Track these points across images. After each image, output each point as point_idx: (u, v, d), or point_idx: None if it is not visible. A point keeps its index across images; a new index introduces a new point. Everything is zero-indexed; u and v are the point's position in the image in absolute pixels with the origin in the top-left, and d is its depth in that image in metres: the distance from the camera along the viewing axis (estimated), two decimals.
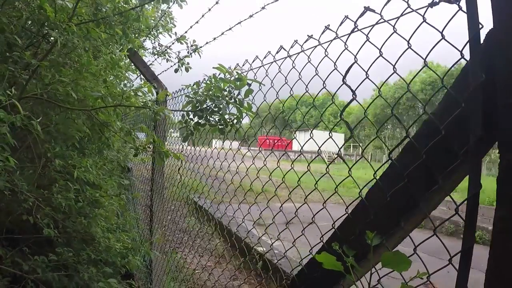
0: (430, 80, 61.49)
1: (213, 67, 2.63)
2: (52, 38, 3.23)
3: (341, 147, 2.06)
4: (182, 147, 5.21)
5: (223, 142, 3.30)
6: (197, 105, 2.70)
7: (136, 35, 4.93)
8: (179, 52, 5.34)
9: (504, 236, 1.07)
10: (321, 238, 1.89)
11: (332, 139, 1.96)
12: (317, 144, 2.14)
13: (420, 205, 1.36)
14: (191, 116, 2.82)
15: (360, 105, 1.98)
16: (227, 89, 2.66)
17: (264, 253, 4.36)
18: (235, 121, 2.75)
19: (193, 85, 2.86)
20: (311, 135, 2.16)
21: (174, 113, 3.54)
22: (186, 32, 4.99)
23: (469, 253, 1.16)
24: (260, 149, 2.96)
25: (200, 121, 2.77)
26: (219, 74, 2.71)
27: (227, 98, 2.63)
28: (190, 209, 7.39)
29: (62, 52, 3.29)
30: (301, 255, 2.20)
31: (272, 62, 2.54)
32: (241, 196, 3.06)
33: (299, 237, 2.27)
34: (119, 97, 3.09)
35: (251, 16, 3.39)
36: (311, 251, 1.93)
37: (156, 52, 6.45)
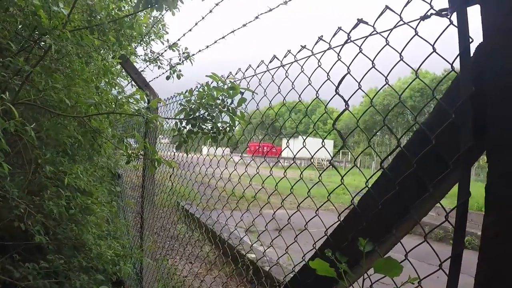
0: (419, 87, 61.85)
1: (206, 75, 2.66)
2: (43, 43, 3.23)
3: (334, 155, 2.09)
4: (174, 154, 5.22)
5: (215, 150, 3.32)
6: (190, 113, 2.71)
7: (129, 42, 4.94)
8: (170, 59, 5.36)
9: (493, 241, 1.11)
10: (314, 245, 1.92)
11: (325, 147, 1.98)
12: (309, 152, 2.16)
13: (411, 212, 1.39)
14: (183, 124, 2.83)
15: (352, 114, 2.02)
16: (220, 98, 2.68)
17: (256, 260, 4.37)
18: (227, 129, 2.77)
19: (186, 92, 2.87)
20: (304, 144, 2.19)
21: (165, 120, 3.55)
22: (179, 39, 5.02)
23: (459, 258, 1.20)
24: (253, 156, 2.98)
25: (193, 129, 2.78)
26: (211, 82, 2.73)
27: (220, 107, 2.66)
28: (180, 216, 7.37)
29: (54, 58, 3.30)
30: (294, 262, 2.22)
31: (265, 71, 2.57)
32: (234, 204, 3.08)
33: (291, 244, 2.29)
34: (111, 104, 3.10)
35: (244, 25, 3.42)
36: (303, 257, 1.96)
37: (148, 59, 6.46)
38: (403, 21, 1.53)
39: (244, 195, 2.89)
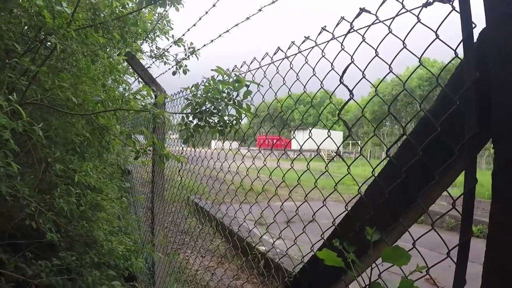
0: (427, 76, 61.30)
1: (212, 69, 2.66)
2: (49, 43, 3.25)
3: (339, 146, 2.08)
4: (182, 148, 5.23)
5: (222, 143, 3.33)
6: (196, 107, 2.72)
7: (134, 39, 4.95)
8: (176, 54, 5.36)
9: (500, 229, 1.10)
10: (322, 235, 1.92)
11: (331, 138, 1.98)
12: (315, 143, 2.16)
13: (417, 201, 1.39)
14: (190, 118, 2.85)
15: (358, 104, 2.01)
16: (226, 91, 2.68)
17: (265, 252, 4.38)
18: (234, 122, 2.78)
19: (192, 87, 2.88)
20: (310, 135, 2.18)
21: (173, 115, 3.56)
22: (183, 35, 5.01)
23: (466, 246, 1.19)
24: (260, 149, 2.98)
25: (199, 123, 2.79)
26: (217, 76, 2.74)
27: (226, 100, 2.66)
28: (191, 210, 7.40)
29: (60, 57, 3.32)
30: (303, 252, 2.23)
31: (270, 64, 2.57)
32: (242, 196, 3.08)
33: (300, 235, 2.30)
34: (118, 101, 3.12)
35: (248, 18, 3.41)
36: (312, 248, 1.97)
37: (153, 55, 6.46)
38: (405, 9, 1.53)
39: (253, 188, 2.90)
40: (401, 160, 1.46)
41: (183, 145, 4.73)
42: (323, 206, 2.03)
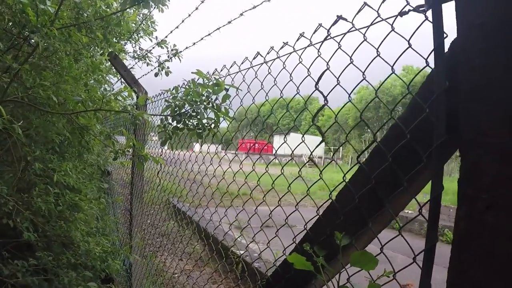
0: (412, 84, 61.68)
1: (192, 72, 2.67)
2: (32, 41, 3.24)
3: (312, 151, 2.09)
4: (162, 150, 5.22)
5: (201, 146, 3.34)
6: (176, 109, 2.73)
7: (117, 39, 4.93)
8: (159, 56, 5.35)
9: (464, 234, 1.13)
10: (294, 239, 1.94)
11: (305, 143, 1.98)
12: (290, 148, 2.17)
13: (386, 207, 1.41)
14: (169, 121, 2.85)
15: (332, 111, 2.02)
16: (205, 94, 2.69)
17: (240, 255, 4.37)
18: (212, 125, 2.78)
19: (173, 89, 2.88)
20: (285, 139, 2.18)
21: (154, 116, 3.56)
22: (166, 36, 5.01)
23: (432, 251, 1.22)
24: (237, 152, 3.00)
25: (178, 125, 2.80)
26: (198, 79, 2.74)
27: (204, 103, 2.67)
28: (169, 212, 7.36)
29: (43, 56, 3.30)
30: (276, 256, 2.24)
31: (249, 68, 2.58)
32: (218, 199, 3.08)
33: (273, 238, 2.30)
34: (99, 101, 3.11)
35: (229, 22, 3.42)
36: (284, 252, 1.98)
37: (136, 56, 6.44)
38: (381, 17, 1.55)
39: (239, 193, 2.88)
40: (372, 166, 1.48)
41: (162, 147, 4.72)
42: (295, 210, 2.04)
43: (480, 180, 1.09)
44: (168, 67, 4.94)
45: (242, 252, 5.91)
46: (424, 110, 1.28)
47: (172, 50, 4.84)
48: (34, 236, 3.32)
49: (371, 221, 1.47)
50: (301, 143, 2.01)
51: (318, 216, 1.78)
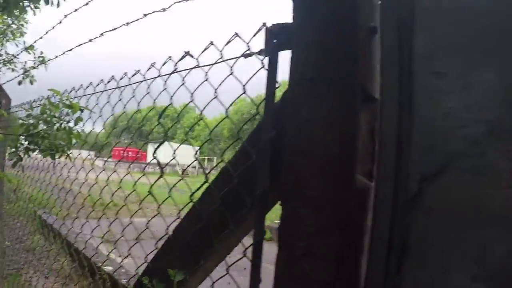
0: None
1: (49, 89, 2.55)
2: None
3: (170, 159, 2.07)
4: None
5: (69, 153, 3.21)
6: (30, 128, 2.59)
7: None
8: (25, 62, 5.01)
9: (283, 279, 1.19)
10: (146, 258, 1.90)
11: (175, 158, 1.95)
12: (156, 158, 2.14)
13: (215, 246, 1.46)
14: (21, 141, 2.70)
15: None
16: (57, 115, 2.59)
17: (112, 272, 4.22)
18: (65, 148, 2.68)
19: (27, 105, 2.75)
20: (155, 155, 2.14)
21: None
22: (35, 41, 4.70)
23: None
24: (110, 159, 2.93)
25: (29, 146, 2.66)
26: (54, 96, 2.62)
27: (57, 125, 2.57)
28: (36, 225, 6.93)
29: None
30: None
31: (115, 88, 2.49)
32: (90, 209, 2.96)
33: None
34: None
35: (102, 35, 3.23)
36: (137, 270, 1.97)
37: (1, 61, 5.94)
38: (222, 59, 1.59)
39: (101, 197, 2.78)
40: (204, 205, 1.53)
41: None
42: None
43: (298, 229, 1.16)
44: (33, 76, 4.60)
45: (110, 268, 5.72)
46: (251, 156, 1.34)
47: (38, 57, 4.55)
48: None
49: (203, 259, 1.51)
50: (174, 158, 1.98)
51: (156, 250, 1.79)
